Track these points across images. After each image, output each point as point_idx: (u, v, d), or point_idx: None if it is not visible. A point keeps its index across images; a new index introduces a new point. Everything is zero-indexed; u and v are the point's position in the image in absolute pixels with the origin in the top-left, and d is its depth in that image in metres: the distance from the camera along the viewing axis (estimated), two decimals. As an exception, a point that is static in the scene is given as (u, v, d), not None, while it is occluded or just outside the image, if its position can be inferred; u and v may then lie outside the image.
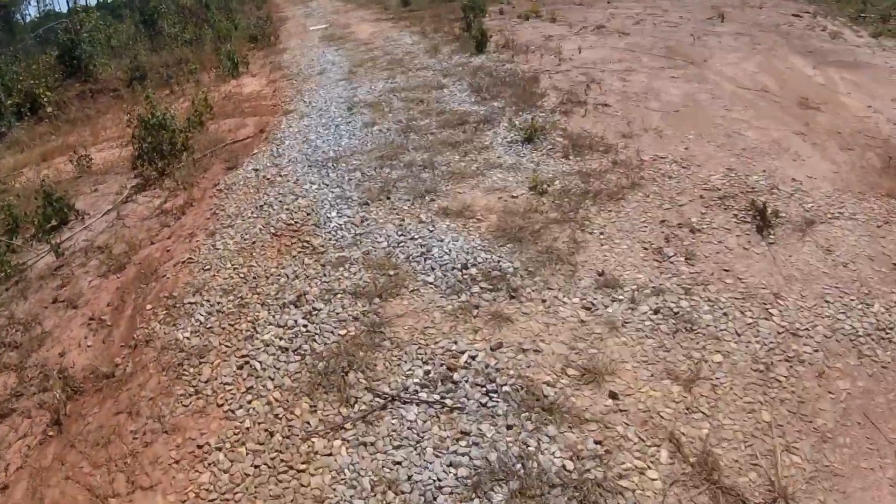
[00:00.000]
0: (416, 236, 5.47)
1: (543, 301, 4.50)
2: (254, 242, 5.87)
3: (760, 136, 7.12)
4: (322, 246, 5.59)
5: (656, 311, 4.35)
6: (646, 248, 5.07)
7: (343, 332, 4.45)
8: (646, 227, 5.36)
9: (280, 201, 6.58)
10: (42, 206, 7.24)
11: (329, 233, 5.78)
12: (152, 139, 8.09)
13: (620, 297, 4.51)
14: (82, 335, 5.27)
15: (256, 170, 7.61)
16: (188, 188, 7.55)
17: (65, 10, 38.93)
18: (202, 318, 4.93)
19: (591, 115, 7.91)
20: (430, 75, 10.54)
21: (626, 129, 7.38)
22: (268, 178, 7.28)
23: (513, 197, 5.99)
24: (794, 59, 10.65)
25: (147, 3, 17.67)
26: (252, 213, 6.46)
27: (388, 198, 6.25)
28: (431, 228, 5.56)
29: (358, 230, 5.74)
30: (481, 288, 4.68)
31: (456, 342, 4.19)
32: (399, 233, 5.58)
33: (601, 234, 5.27)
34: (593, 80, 9.21)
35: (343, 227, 5.83)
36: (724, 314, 4.33)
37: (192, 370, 4.44)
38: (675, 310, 4.37)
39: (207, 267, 5.64)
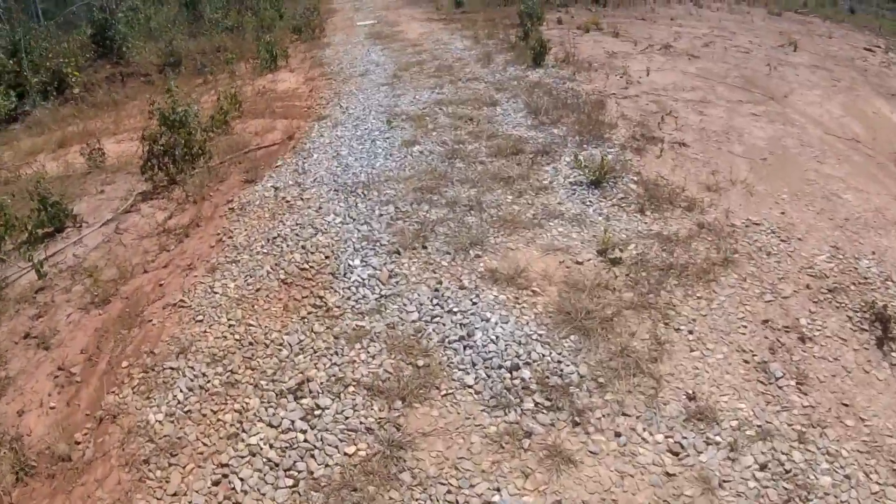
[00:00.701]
0: (456, 309, 4.30)
1: (617, 435, 3.30)
2: (258, 290, 4.77)
3: (862, 202, 5.86)
4: (338, 307, 4.46)
5: (763, 467, 3.15)
6: (747, 361, 3.84)
7: (351, 449, 3.31)
8: (745, 327, 4.13)
9: (297, 234, 5.47)
10: (37, 210, 6.24)
11: (348, 288, 4.65)
12: (166, 141, 7.03)
13: (717, 437, 3.30)
14: (47, 390, 4.28)
15: (276, 188, 6.52)
16: (198, 202, 6.50)
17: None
18: (181, 396, 3.85)
19: (668, 156, 6.66)
20: (482, 88, 9.34)
21: (710, 180, 6.14)
22: (287, 201, 6.18)
23: (577, 263, 4.79)
24: (879, 102, 9.38)
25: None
26: (262, 246, 5.36)
27: (425, 246, 5.09)
28: (475, 299, 4.38)
29: (384, 289, 4.60)
30: (536, 404, 3.49)
31: (499, 490, 3.03)
32: (434, 300, 4.43)
33: (690, 332, 4.05)
34: (667, 111, 7.94)
35: (366, 282, 4.69)
36: (847, 477, 3.12)
37: (158, 473, 3.37)
38: (787, 466, 3.16)
39: (200, 317, 4.56)
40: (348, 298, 4.54)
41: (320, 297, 4.59)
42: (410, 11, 18.89)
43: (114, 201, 6.90)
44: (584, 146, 6.89)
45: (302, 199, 6.20)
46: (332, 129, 8.12)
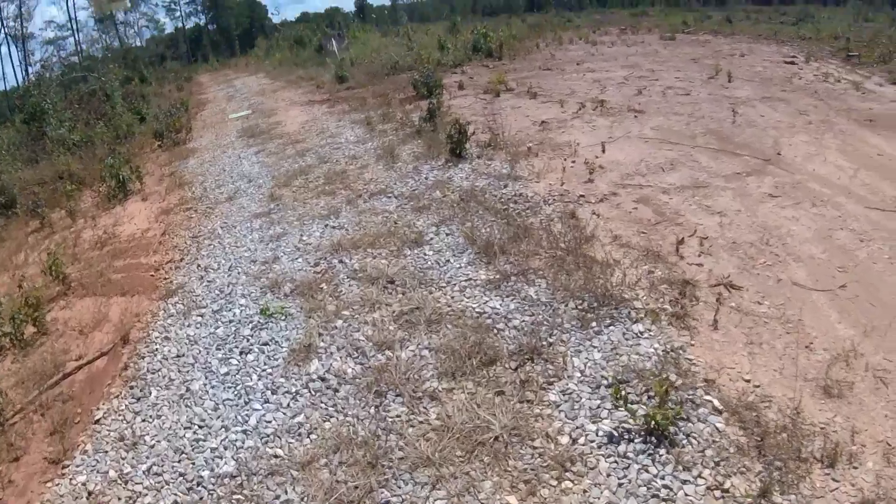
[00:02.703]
0: None
1: None
2: None
3: None
4: None
5: None
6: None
7: None
8: None
9: None
10: None
11: None
12: None
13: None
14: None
15: (89, 491, 3.33)
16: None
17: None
18: None
19: (727, 322, 3.87)
20: (394, 208, 6.37)
21: (810, 364, 3.39)
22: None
23: None
24: (869, 137, 7.35)
25: (27, 99, 12.96)
26: None
27: None
28: None
29: None
30: None
31: None
32: None
33: None
34: (666, 218, 5.25)
35: None
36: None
37: None
38: None
39: None
40: None
41: None
42: (289, 94, 15.84)
43: None
44: (591, 325, 3.99)
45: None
46: (182, 322, 4.93)
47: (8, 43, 39.00)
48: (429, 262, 5.11)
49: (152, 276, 6.12)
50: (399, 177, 7.26)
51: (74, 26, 43.01)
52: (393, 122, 9.99)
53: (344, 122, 10.83)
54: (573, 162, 6.93)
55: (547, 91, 10.97)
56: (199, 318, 4.92)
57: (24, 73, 38.06)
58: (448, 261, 5.09)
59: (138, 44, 47.81)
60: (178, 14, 50.98)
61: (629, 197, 5.85)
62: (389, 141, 8.82)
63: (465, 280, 4.77)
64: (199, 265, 5.98)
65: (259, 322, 4.64)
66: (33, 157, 11.77)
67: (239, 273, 5.57)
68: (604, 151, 7.06)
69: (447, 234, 5.54)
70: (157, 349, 4.63)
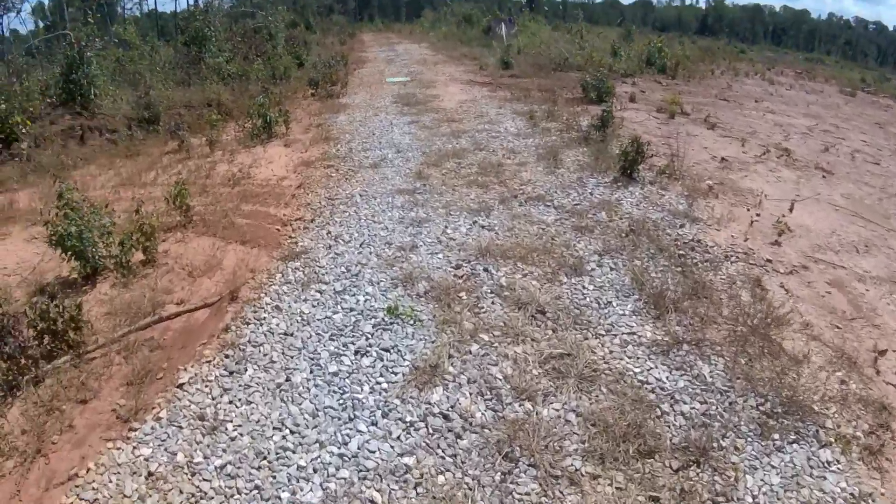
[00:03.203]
0: None
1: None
2: None
3: None
4: None
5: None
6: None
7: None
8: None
9: None
10: None
11: None
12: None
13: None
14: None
15: (150, 472, 2.77)
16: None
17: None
18: None
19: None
20: (552, 221, 5.50)
21: None
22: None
23: None
24: None
25: (191, 21, 13.07)
26: None
27: None
28: None
29: None
30: None
31: None
32: None
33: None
34: (863, 314, 4.15)
35: None
36: None
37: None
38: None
39: None
40: None
41: None
42: (450, 69, 15.23)
43: None
44: (773, 436, 3.03)
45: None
46: (299, 294, 4.33)
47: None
48: (587, 299, 4.21)
49: (278, 230, 5.60)
50: (561, 185, 6.37)
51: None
52: (558, 121, 9.09)
53: (505, 110, 10.04)
54: (758, 214, 5.79)
55: (725, 124, 9.71)
56: (318, 296, 4.29)
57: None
58: (610, 302, 4.17)
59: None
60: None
61: (822, 276, 4.70)
62: (553, 142, 7.94)
63: (628, 333, 3.85)
64: (329, 232, 5.39)
65: (383, 321, 3.93)
66: (186, 79, 11.77)
67: (370, 253, 4.91)
68: (791, 211, 5.87)
69: (612, 269, 4.62)
70: (264, 319, 4.04)
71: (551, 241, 5.05)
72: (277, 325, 3.96)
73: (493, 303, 4.14)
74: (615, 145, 7.46)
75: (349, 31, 31.50)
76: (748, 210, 5.89)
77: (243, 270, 4.76)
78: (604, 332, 3.85)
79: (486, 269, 4.57)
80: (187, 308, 4.22)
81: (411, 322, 3.90)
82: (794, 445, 2.98)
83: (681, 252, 4.91)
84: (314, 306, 4.16)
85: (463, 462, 2.88)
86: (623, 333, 3.84)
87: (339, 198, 6.21)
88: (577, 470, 2.83)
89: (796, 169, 7.62)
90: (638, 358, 3.62)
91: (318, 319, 3.99)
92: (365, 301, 4.19)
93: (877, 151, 9.35)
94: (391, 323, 3.90)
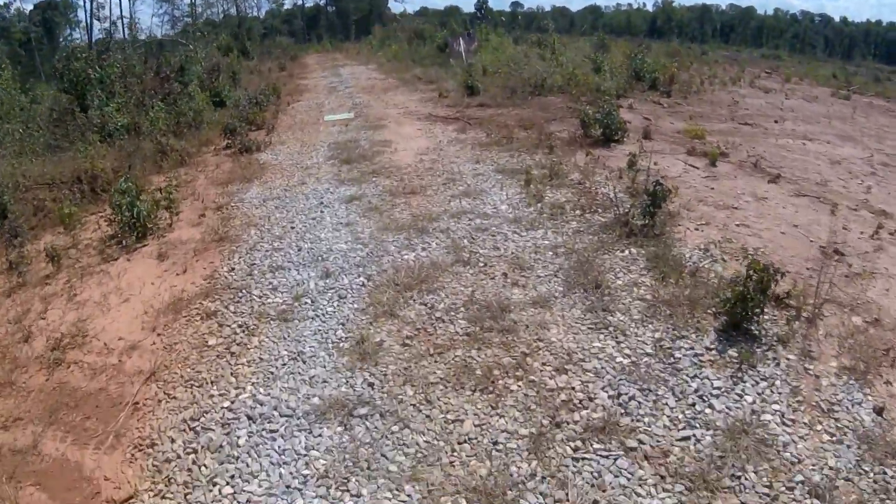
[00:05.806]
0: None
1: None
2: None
3: None
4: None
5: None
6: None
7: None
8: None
9: None
10: None
11: None
12: None
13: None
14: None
15: None
16: None
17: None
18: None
19: None
20: (646, 493, 2.29)
21: None
22: None
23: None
24: None
25: (69, 63, 9.51)
26: None
27: None
28: None
29: None
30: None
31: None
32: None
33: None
34: None
35: None
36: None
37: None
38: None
39: None
40: None
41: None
42: (402, 98, 11.95)
43: None
44: None
45: None
46: None
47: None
48: None
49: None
50: (631, 371, 3.18)
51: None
52: (568, 185, 5.92)
53: (485, 166, 6.83)
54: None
55: (777, 167, 6.80)
56: None
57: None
58: None
59: (256, 14, 45.31)
60: (298, -10, 48.27)
61: None
62: (577, 237, 4.76)
63: None
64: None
65: None
66: (56, 141, 8.26)
67: None
68: None
69: None
70: None
71: None
72: None
73: None
74: (678, 235, 4.34)
75: (291, 53, 27.93)
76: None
77: None
78: None
79: None
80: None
81: None
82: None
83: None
84: None
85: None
86: None
87: (210, 423, 2.93)
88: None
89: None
90: None
91: None
92: None
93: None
94: None
